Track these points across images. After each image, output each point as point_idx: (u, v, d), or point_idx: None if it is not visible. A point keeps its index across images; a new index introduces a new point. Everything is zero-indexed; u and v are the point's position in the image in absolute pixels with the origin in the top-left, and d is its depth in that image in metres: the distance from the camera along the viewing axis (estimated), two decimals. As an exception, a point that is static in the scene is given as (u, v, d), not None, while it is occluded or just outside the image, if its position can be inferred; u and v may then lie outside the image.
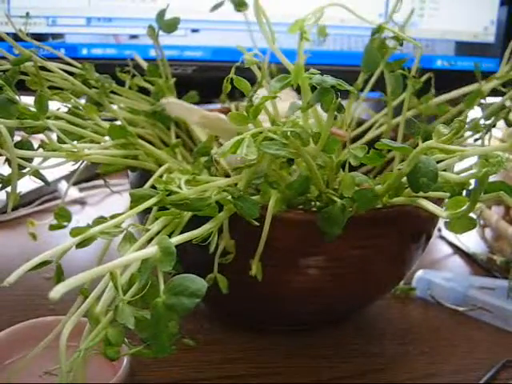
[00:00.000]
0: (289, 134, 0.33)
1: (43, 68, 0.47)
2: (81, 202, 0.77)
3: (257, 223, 0.37)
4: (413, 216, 0.42)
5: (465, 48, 0.82)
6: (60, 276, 0.39)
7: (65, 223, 0.49)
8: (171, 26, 0.54)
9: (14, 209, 0.70)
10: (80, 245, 0.36)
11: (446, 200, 0.36)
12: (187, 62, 0.76)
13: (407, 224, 0.43)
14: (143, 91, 0.56)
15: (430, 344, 0.50)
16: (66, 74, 0.48)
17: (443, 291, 0.57)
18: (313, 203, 0.39)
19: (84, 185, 0.79)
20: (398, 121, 0.53)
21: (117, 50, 0.74)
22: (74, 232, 0.35)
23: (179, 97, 0.57)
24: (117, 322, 0.31)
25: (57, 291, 0.26)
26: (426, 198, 0.37)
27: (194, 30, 0.75)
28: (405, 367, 0.47)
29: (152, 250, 0.31)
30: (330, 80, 0.32)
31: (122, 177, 0.68)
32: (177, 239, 0.34)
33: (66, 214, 0.49)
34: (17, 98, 0.39)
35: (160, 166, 0.45)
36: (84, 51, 0.74)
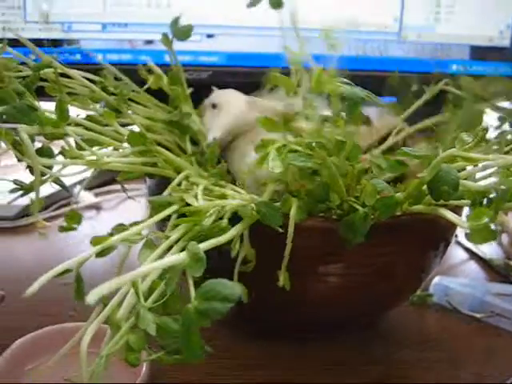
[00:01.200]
0: (314, 144, 0.33)
1: (60, 74, 0.47)
2: (96, 207, 0.77)
3: (281, 230, 0.37)
4: (432, 224, 0.42)
5: (480, 52, 0.81)
6: (80, 284, 0.39)
7: (75, 225, 0.49)
8: (185, 33, 0.54)
9: (30, 214, 0.70)
10: (100, 254, 0.36)
11: (466, 208, 0.36)
12: (202, 67, 0.76)
13: (427, 231, 0.43)
14: (158, 98, 0.56)
15: (448, 351, 0.50)
16: (86, 81, 0.48)
17: (460, 297, 0.56)
18: (333, 211, 0.39)
19: (99, 190, 0.79)
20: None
21: (132, 56, 0.75)
22: (95, 241, 0.36)
23: (194, 102, 0.57)
24: (138, 327, 0.31)
25: (93, 296, 0.27)
26: (445, 205, 0.37)
27: (209, 36, 0.75)
28: (424, 374, 0.47)
29: (180, 256, 0.31)
30: (359, 92, 0.32)
31: (138, 182, 0.69)
32: (203, 246, 0.34)
33: (75, 216, 0.49)
34: (36, 104, 0.39)
35: (179, 173, 0.45)
36: (99, 57, 0.74)
